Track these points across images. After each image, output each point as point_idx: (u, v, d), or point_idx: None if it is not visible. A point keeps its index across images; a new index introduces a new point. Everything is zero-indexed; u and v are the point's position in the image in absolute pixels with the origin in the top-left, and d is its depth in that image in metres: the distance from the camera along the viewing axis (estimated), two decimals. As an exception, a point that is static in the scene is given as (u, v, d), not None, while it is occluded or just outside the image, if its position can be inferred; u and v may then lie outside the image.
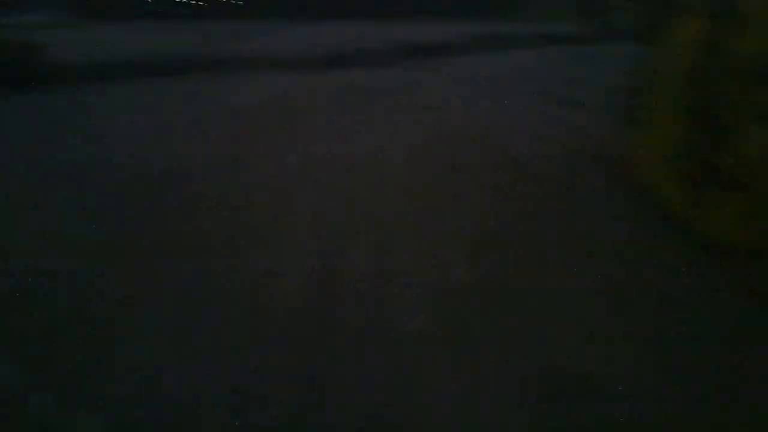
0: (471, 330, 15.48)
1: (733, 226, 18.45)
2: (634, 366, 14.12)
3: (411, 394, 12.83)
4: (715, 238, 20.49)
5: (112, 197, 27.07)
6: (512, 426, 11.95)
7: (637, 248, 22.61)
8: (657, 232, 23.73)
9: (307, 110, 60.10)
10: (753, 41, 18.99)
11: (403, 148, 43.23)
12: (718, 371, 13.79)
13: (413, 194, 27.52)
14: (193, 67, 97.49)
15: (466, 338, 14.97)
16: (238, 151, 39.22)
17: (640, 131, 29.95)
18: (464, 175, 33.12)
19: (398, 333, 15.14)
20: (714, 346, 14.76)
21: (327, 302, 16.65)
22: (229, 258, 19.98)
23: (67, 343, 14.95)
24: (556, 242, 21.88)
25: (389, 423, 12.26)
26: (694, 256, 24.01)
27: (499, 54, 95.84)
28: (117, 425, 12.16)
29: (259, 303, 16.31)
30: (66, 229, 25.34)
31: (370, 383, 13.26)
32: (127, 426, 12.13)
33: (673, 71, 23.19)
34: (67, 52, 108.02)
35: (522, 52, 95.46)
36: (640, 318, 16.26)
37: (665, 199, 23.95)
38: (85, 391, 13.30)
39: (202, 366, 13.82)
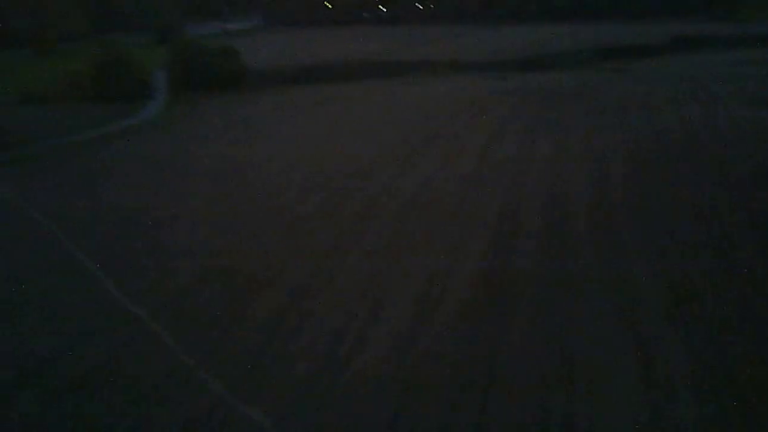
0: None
1: None
2: None
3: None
4: None
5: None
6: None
7: None
8: None
9: (496, 113, 60.18)
10: None
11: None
12: None
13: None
14: (379, 71, 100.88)
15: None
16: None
17: None
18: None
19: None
20: None
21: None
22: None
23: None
24: None
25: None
26: None
27: (704, 55, 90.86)
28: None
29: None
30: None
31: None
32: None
33: None
34: (263, 58, 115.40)
35: (728, 53, 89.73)
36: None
37: None
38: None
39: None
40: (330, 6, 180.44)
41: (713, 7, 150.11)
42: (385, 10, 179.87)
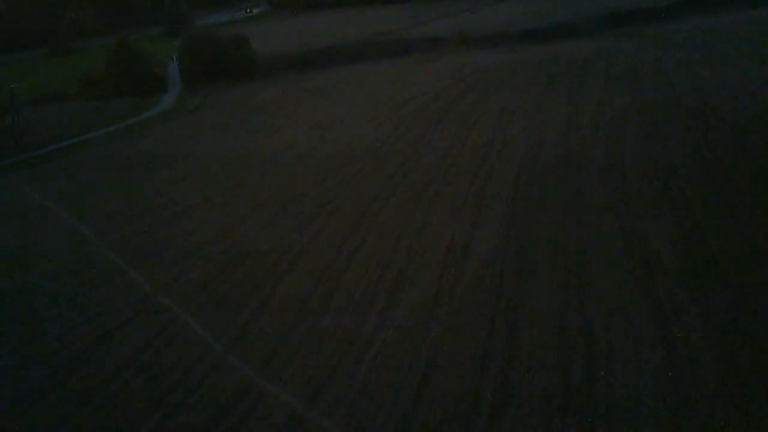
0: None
1: None
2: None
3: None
4: None
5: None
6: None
7: None
8: None
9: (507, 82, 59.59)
10: None
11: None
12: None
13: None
14: (389, 50, 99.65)
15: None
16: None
17: None
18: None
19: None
20: None
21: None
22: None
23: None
24: None
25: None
26: None
27: (715, 17, 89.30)
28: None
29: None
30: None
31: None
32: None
33: None
34: (272, 43, 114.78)
35: (738, 13, 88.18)
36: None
37: None
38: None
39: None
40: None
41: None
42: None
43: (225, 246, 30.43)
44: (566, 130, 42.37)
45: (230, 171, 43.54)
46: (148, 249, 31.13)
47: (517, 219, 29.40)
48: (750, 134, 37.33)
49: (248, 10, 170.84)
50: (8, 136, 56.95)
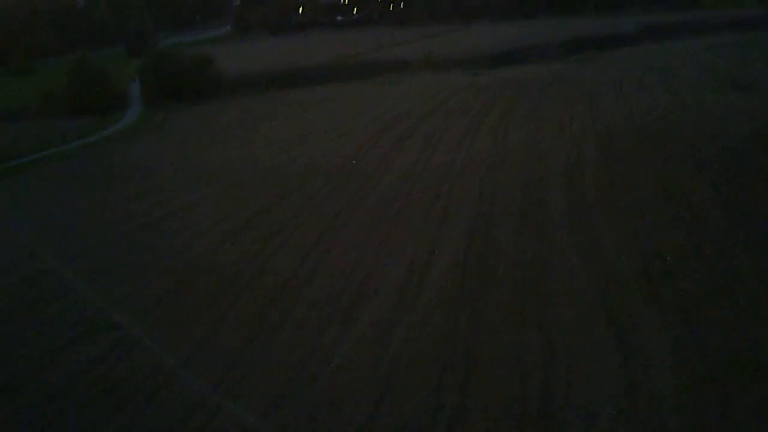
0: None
1: None
2: None
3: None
4: None
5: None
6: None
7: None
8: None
9: (470, 108, 60.72)
10: None
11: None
12: None
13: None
14: (355, 73, 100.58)
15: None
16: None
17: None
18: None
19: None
20: None
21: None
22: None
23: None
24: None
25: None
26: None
27: (671, 42, 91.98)
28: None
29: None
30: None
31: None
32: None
33: None
34: (236, 65, 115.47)
35: (693, 40, 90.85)
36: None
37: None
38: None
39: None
40: (301, 11, 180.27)
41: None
42: (356, 13, 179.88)
43: (185, 260, 29.92)
44: (527, 149, 42.93)
45: (192, 186, 43.03)
46: (103, 264, 30.46)
47: (478, 234, 29.42)
48: (705, 154, 38.14)
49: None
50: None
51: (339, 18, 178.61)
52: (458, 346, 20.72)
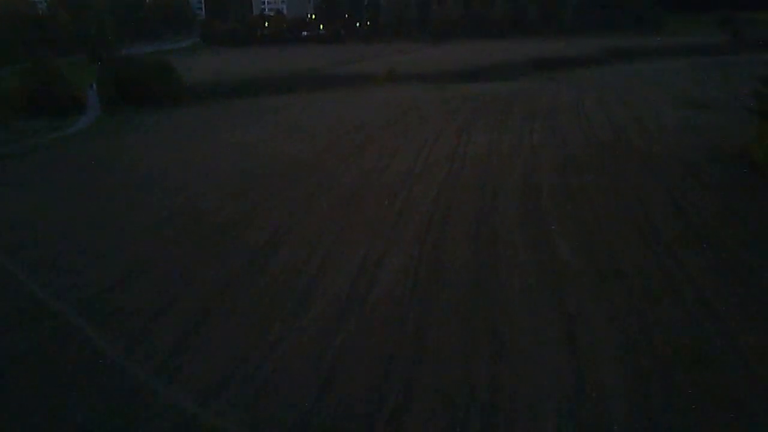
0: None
1: None
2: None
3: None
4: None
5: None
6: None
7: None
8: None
9: (432, 116, 60.53)
10: None
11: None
12: None
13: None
14: (319, 84, 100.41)
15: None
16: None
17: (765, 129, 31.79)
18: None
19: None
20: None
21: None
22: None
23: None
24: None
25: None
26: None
27: (632, 65, 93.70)
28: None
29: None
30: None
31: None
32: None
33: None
34: (200, 74, 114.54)
35: (654, 63, 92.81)
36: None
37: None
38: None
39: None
40: (267, 25, 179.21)
41: (642, 23, 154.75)
42: (322, 29, 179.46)
43: (127, 256, 29.02)
44: (486, 158, 42.91)
45: (143, 186, 41.77)
46: (46, 257, 29.49)
47: (432, 234, 29.32)
48: (661, 164, 38.61)
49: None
50: None
51: (305, 33, 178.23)
52: (406, 340, 20.41)
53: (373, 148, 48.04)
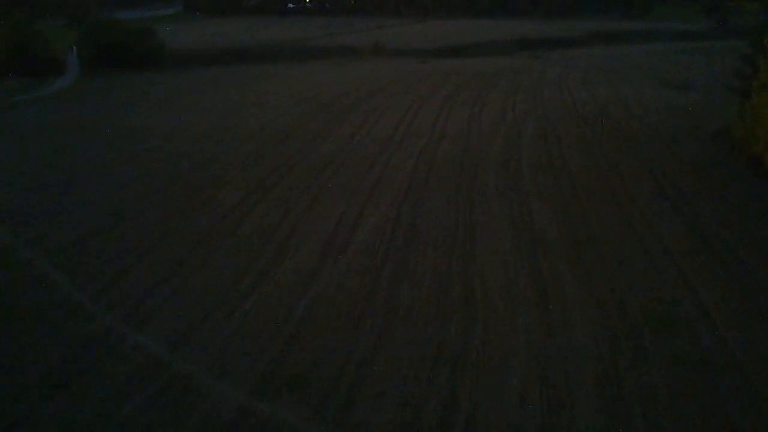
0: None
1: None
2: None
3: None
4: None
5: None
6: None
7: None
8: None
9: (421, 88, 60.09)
10: None
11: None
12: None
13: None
14: (301, 55, 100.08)
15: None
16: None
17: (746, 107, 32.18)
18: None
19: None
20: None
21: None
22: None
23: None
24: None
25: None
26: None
27: (618, 47, 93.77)
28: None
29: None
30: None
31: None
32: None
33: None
34: (182, 41, 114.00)
35: (640, 46, 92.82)
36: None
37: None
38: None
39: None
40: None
41: (629, 7, 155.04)
42: (309, 2, 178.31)
43: (103, 210, 28.62)
44: (467, 128, 42.93)
45: (118, 146, 41.31)
46: (16, 209, 29.19)
47: (410, 199, 29.23)
48: (641, 140, 38.80)
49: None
50: None
51: (290, 5, 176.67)
52: (379, 294, 20.38)
53: (355, 116, 47.88)
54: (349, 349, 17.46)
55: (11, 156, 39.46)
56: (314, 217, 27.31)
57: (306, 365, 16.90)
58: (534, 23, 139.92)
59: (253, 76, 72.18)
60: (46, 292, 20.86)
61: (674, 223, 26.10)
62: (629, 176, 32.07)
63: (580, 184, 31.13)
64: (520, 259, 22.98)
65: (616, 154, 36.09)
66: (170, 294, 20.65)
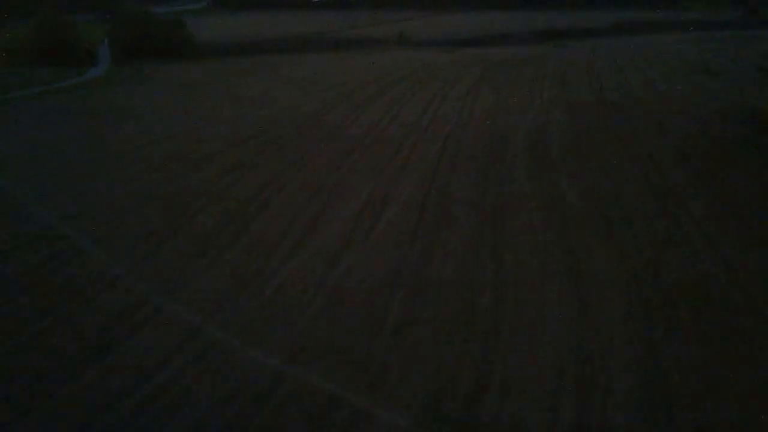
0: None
1: None
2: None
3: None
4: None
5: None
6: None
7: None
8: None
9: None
10: None
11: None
12: None
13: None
14: (329, 46, 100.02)
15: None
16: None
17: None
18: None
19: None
20: None
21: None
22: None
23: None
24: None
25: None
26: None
27: (645, 37, 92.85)
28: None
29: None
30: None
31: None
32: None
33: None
34: (208, 32, 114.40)
35: (668, 35, 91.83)
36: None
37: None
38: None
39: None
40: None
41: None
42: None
43: (133, 189, 29.34)
44: (495, 113, 42.84)
45: (149, 132, 41.92)
46: (53, 188, 29.95)
47: (438, 179, 29.30)
48: (671, 123, 38.42)
49: None
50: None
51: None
52: (409, 269, 20.46)
53: (381, 103, 48.06)
54: (381, 321, 17.55)
55: (39, 138, 40.74)
56: (343, 196, 27.43)
57: (340, 333, 17.06)
58: (560, 14, 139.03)
59: (282, 66, 72.79)
60: (84, 267, 21.31)
61: (707, 203, 25.74)
62: (660, 156, 31.61)
63: (612, 165, 30.95)
64: (550, 232, 22.98)
65: (646, 136, 35.80)
66: (202, 271, 20.96)
